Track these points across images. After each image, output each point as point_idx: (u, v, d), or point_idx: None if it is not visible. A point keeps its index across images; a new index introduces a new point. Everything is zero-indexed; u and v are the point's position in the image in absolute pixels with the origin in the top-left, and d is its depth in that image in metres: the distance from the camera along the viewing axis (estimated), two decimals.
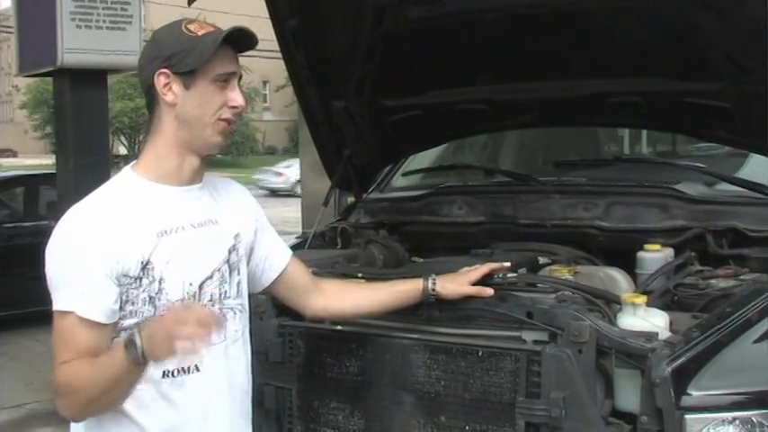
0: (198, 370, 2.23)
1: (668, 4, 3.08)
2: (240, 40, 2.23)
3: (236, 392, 2.38)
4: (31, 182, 11.04)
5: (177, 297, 2.19)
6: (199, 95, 2.20)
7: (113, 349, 2.05)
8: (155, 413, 2.19)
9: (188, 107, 2.20)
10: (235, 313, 2.35)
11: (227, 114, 2.23)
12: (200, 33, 2.19)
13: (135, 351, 1.95)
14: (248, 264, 2.47)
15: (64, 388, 2.11)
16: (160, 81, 2.19)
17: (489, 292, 2.67)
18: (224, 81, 2.22)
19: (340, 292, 2.69)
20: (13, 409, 7.04)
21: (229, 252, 2.35)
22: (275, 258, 2.56)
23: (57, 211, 2.21)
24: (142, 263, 2.15)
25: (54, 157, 8.33)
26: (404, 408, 2.73)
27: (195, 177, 2.30)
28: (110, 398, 2.11)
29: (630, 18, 3.20)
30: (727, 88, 3.19)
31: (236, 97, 2.24)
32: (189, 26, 2.21)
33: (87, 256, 2.11)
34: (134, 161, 2.32)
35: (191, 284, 2.23)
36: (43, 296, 2.18)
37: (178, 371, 2.20)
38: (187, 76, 2.18)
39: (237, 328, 2.36)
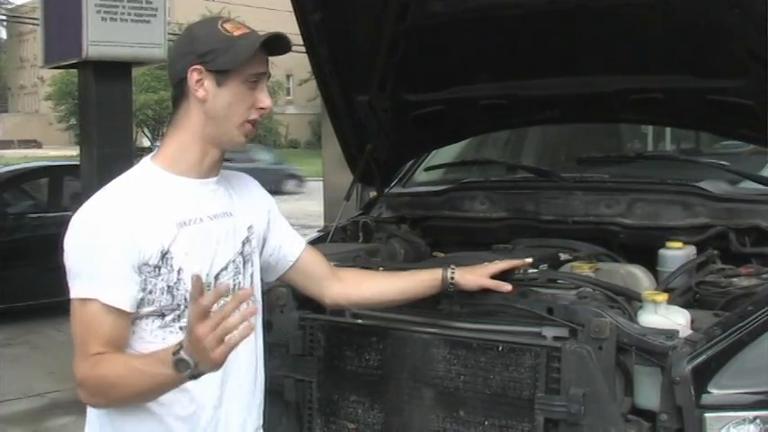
0: None
1: (691, 0, 3.07)
2: (275, 45, 2.25)
3: (248, 382, 2.40)
4: (55, 173, 11.09)
5: None
6: (230, 94, 2.23)
7: (155, 361, 2.03)
8: (169, 402, 2.20)
9: (218, 105, 2.23)
10: (247, 304, 2.36)
11: (254, 116, 2.27)
12: (236, 34, 2.22)
13: (189, 369, 1.94)
14: (262, 254, 2.50)
15: (97, 381, 2.11)
16: (193, 77, 2.21)
17: (507, 287, 2.68)
18: (254, 82, 2.25)
19: (359, 280, 2.71)
20: (35, 398, 7.08)
21: (243, 244, 2.37)
22: (289, 247, 2.58)
23: (80, 201, 2.25)
24: (162, 252, 2.17)
25: (78, 148, 8.37)
26: (423, 402, 2.74)
27: (213, 170, 2.33)
28: (143, 399, 2.16)
29: (654, 14, 3.18)
30: (750, 85, 3.17)
31: (264, 98, 2.27)
32: (225, 25, 2.24)
33: (111, 244, 2.12)
34: (154, 152, 2.34)
35: (207, 275, 2.24)
36: (65, 286, 2.19)
37: None
38: (220, 74, 2.21)
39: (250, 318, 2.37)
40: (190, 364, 1.94)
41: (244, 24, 2.30)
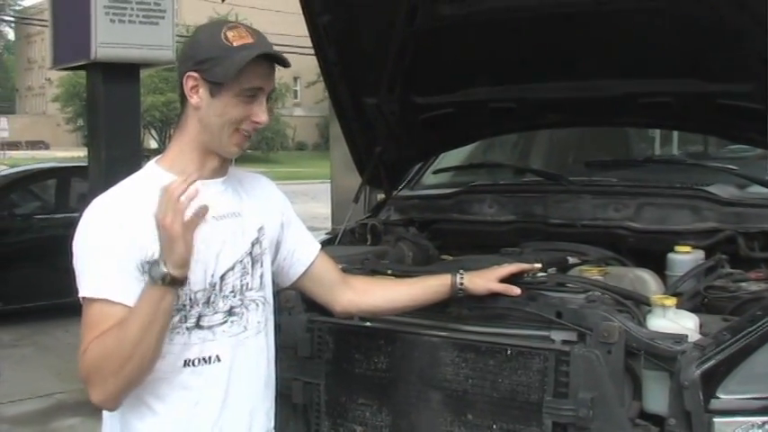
0: (219, 360, 2.25)
1: (701, 4, 3.07)
2: (271, 59, 2.24)
3: (257, 384, 2.39)
4: (62, 174, 11.10)
5: (199, 287, 2.21)
6: (222, 105, 2.21)
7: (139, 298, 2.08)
8: (173, 402, 2.21)
9: (210, 114, 2.22)
10: (257, 305, 2.36)
11: (246, 127, 2.25)
12: (235, 44, 2.18)
13: (159, 270, 2.01)
14: (275, 258, 2.48)
15: (94, 362, 2.09)
16: (188, 83, 2.21)
17: (516, 291, 2.67)
18: (250, 96, 2.22)
19: (369, 288, 2.69)
20: (42, 399, 7.09)
21: (252, 245, 2.36)
22: (303, 253, 2.57)
23: (88, 203, 2.25)
24: None
25: (86, 149, 8.39)
26: (431, 405, 2.73)
27: (218, 172, 2.32)
28: (143, 349, 2.07)
29: (663, 18, 3.18)
30: (758, 90, 3.16)
31: (259, 113, 2.25)
32: (228, 33, 2.20)
33: (114, 243, 2.13)
34: (159, 156, 2.35)
35: (212, 275, 2.25)
36: (73, 287, 2.20)
37: (199, 360, 2.23)
38: (215, 85, 2.19)
39: (260, 319, 2.37)
40: (159, 263, 2.01)
41: (251, 31, 2.25)
